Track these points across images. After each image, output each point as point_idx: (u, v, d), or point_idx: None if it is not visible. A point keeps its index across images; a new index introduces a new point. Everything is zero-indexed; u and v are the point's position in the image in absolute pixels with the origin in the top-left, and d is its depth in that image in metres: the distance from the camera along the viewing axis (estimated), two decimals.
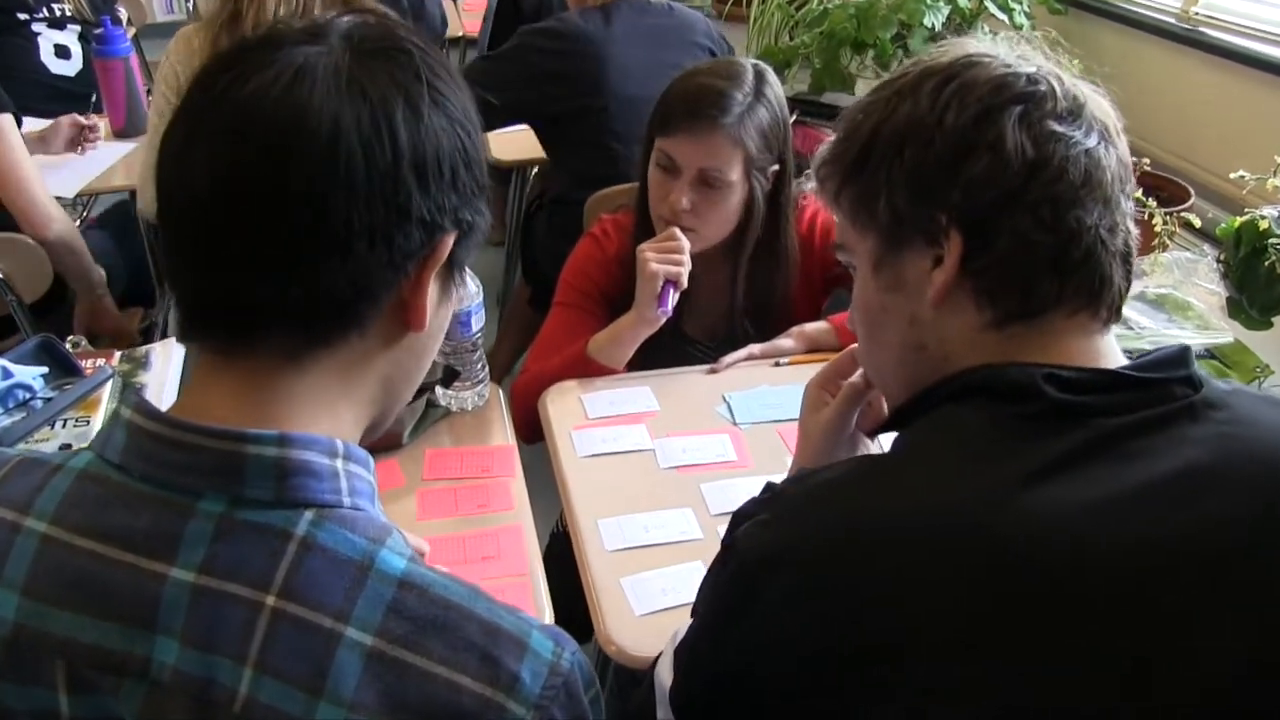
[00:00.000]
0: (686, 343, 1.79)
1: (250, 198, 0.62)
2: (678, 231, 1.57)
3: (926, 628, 0.67)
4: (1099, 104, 0.79)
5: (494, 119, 2.40)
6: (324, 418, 0.68)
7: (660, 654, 0.89)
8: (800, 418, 1.04)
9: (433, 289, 0.69)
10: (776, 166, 1.65)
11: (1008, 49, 0.80)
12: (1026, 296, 0.76)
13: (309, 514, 0.63)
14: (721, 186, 1.59)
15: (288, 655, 0.60)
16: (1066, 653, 0.66)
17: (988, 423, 0.74)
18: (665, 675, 0.84)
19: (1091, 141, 0.76)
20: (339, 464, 0.66)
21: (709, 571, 0.82)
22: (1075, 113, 0.76)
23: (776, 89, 1.63)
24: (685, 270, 1.56)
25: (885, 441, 0.86)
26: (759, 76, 1.61)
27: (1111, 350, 0.79)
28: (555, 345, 1.70)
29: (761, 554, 0.74)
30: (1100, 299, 0.77)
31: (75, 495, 0.65)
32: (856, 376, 1.00)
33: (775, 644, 0.72)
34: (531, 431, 1.60)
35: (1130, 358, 0.78)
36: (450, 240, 0.68)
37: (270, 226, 0.62)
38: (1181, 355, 0.76)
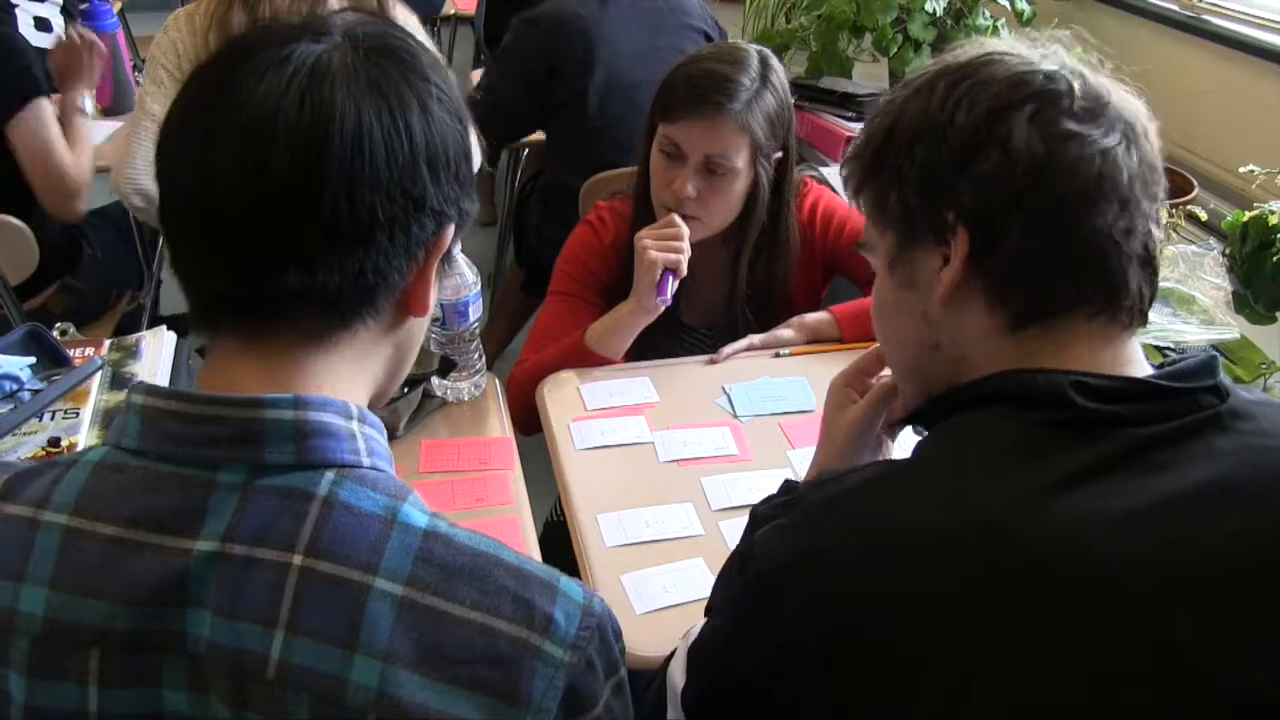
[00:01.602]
0: (685, 331, 1.78)
1: (280, 195, 0.63)
2: (677, 218, 1.55)
3: (931, 629, 0.67)
4: (1126, 102, 0.77)
5: (520, 125, 2.44)
6: (343, 391, 0.70)
7: (672, 653, 0.88)
8: (824, 416, 1.03)
9: (433, 274, 0.72)
10: (780, 153, 1.62)
11: (1029, 47, 0.79)
12: (1035, 298, 0.75)
13: (330, 474, 0.64)
14: (727, 174, 1.57)
15: (319, 612, 0.61)
16: (1071, 657, 0.65)
17: (1014, 430, 0.73)
18: (677, 676, 0.84)
19: (1110, 141, 0.74)
20: (355, 426, 0.67)
21: (724, 572, 0.82)
22: (1094, 111, 0.74)
23: (781, 75, 1.61)
24: (685, 258, 1.54)
25: (905, 442, 0.84)
26: (764, 62, 1.59)
27: (1135, 355, 0.78)
28: (552, 335, 1.67)
29: (779, 560, 0.73)
30: (1116, 303, 0.75)
31: (95, 486, 0.65)
32: (885, 374, 0.99)
33: (790, 648, 0.71)
34: (529, 423, 1.58)
35: (1154, 366, 0.78)
36: (452, 229, 0.72)
37: (301, 221, 0.64)
38: (1209, 364, 0.75)
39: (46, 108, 2.15)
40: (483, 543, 0.66)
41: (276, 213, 0.64)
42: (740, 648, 0.76)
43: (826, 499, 0.76)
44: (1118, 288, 0.75)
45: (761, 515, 0.78)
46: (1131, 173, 0.74)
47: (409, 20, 2.17)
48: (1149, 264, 0.76)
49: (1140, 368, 0.77)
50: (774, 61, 1.61)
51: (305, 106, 0.64)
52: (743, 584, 0.76)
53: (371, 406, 0.76)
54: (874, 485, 0.75)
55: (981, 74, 0.76)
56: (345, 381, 0.70)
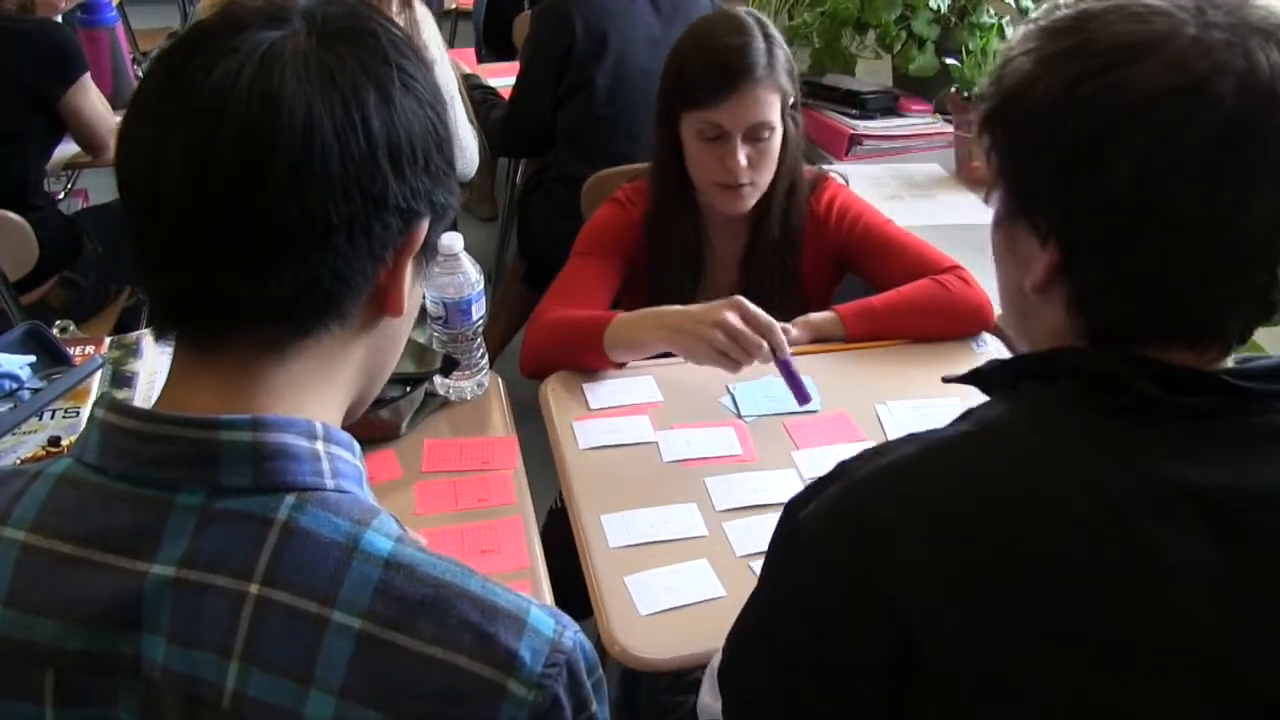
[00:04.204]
0: None
1: (225, 193, 0.60)
2: (780, 330, 1.42)
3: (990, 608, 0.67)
4: None
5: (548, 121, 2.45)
6: (310, 403, 0.67)
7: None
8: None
9: (408, 272, 0.69)
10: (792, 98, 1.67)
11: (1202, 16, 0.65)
12: (1112, 323, 0.71)
13: (290, 498, 0.62)
14: (770, 136, 1.61)
15: (274, 644, 0.59)
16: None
17: (1073, 411, 0.70)
18: (708, 699, 0.83)
19: (1246, 185, 0.63)
20: (319, 446, 0.65)
21: (764, 573, 0.79)
22: (1242, 138, 0.63)
23: (772, 25, 1.65)
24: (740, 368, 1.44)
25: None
26: (756, 20, 1.63)
27: (1215, 367, 0.72)
28: (573, 289, 1.67)
29: (832, 519, 0.72)
30: (1202, 339, 0.70)
31: (54, 501, 0.63)
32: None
33: (829, 609, 0.70)
34: (536, 370, 1.59)
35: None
36: (425, 225, 0.68)
37: (246, 222, 0.60)
38: None
39: (93, 84, 2.41)
40: (449, 572, 0.63)
41: (220, 213, 0.60)
42: (787, 622, 0.74)
43: (879, 470, 0.73)
44: (1207, 332, 0.69)
45: (797, 500, 0.75)
46: (1268, 222, 0.64)
47: (424, 14, 2.16)
48: (1268, 307, 0.68)
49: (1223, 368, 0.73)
50: (762, 16, 1.66)
51: (252, 99, 0.59)
52: (789, 558, 0.74)
53: (355, 411, 0.74)
54: (927, 456, 0.73)
55: (1116, 74, 0.65)
56: (312, 394, 0.67)
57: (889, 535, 0.68)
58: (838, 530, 0.71)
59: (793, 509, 0.75)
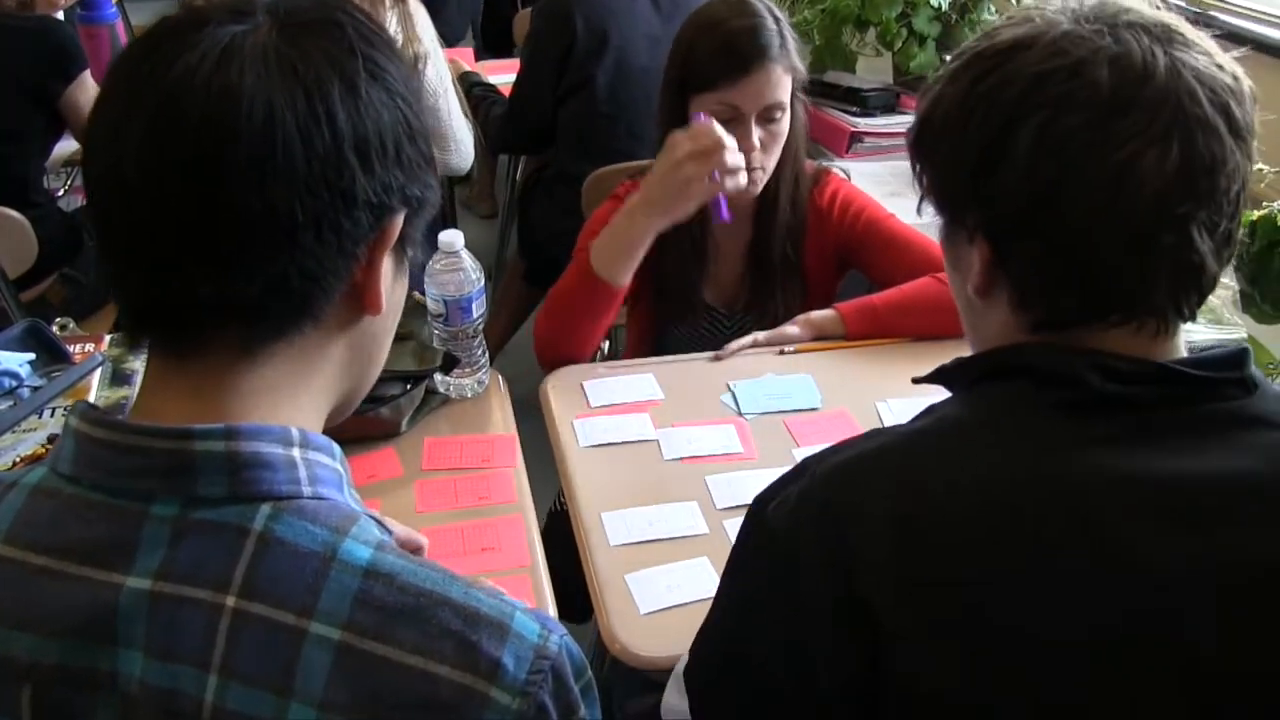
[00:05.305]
0: (706, 310, 1.79)
1: (186, 189, 0.59)
2: (718, 128, 1.50)
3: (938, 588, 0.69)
4: (1185, 76, 0.69)
5: (548, 118, 2.44)
6: (285, 408, 0.66)
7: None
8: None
9: (386, 268, 0.67)
10: None
11: (1075, 17, 0.73)
12: (1050, 310, 0.75)
13: (266, 508, 0.61)
14: (782, 116, 1.62)
15: (253, 657, 0.58)
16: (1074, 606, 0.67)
17: (1024, 410, 0.74)
18: (674, 699, 0.83)
19: (1136, 144, 0.68)
20: (296, 453, 0.64)
21: (728, 567, 0.81)
22: (1123, 107, 0.69)
23: (777, 9, 1.66)
24: (742, 178, 1.51)
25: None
26: (762, 2, 1.63)
27: (1165, 353, 0.75)
28: None
29: (801, 519, 0.73)
30: (1137, 314, 0.73)
31: (29, 512, 0.62)
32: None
33: (810, 608, 0.71)
34: (552, 354, 1.61)
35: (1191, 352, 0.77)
36: (400, 219, 0.66)
37: (209, 219, 0.59)
38: (1238, 356, 0.74)
39: (92, 83, 2.37)
40: (429, 579, 0.61)
41: (182, 209, 0.59)
42: (759, 623, 0.75)
43: (839, 465, 0.75)
44: (1136, 304, 0.73)
45: (765, 495, 0.77)
46: (1162, 180, 0.68)
47: (416, 8, 2.15)
48: (1189, 271, 0.71)
49: (1167, 358, 0.75)
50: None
51: (211, 94, 0.58)
52: (756, 556, 0.76)
53: (342, 413, 0.73)
54: (887, 452, 0.75)
55: (1006, 68, 0.72)
56: (287, 399, 0.66)
57: (856, 536, 0.70)
58: (806, 528, 0.72)
59: (760, 505, 0.77)
